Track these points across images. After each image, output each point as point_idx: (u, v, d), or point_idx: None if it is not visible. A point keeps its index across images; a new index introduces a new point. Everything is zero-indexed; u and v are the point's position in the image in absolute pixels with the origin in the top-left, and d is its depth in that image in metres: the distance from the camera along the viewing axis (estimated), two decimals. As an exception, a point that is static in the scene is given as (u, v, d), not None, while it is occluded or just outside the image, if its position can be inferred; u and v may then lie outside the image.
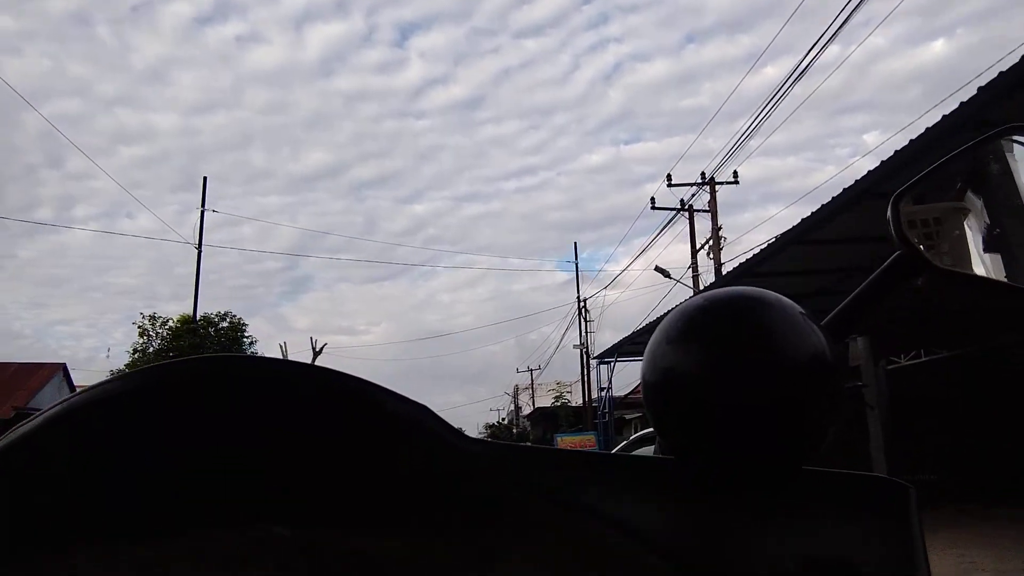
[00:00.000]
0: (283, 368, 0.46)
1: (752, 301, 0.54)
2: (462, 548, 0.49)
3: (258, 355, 0.48)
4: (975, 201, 0.68)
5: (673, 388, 0.54)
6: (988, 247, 0.66)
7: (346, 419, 0.47)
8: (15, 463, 0.44)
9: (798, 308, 0.54)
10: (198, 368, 0.46)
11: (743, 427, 0.51)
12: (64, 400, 0.45)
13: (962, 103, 6.52)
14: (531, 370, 41.84)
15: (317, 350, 25.74)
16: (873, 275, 0.61)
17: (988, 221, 0.66)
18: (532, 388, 41.50)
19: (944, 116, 6.83)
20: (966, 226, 0.66)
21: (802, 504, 0.53)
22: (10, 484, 0.44)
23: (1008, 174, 0.67)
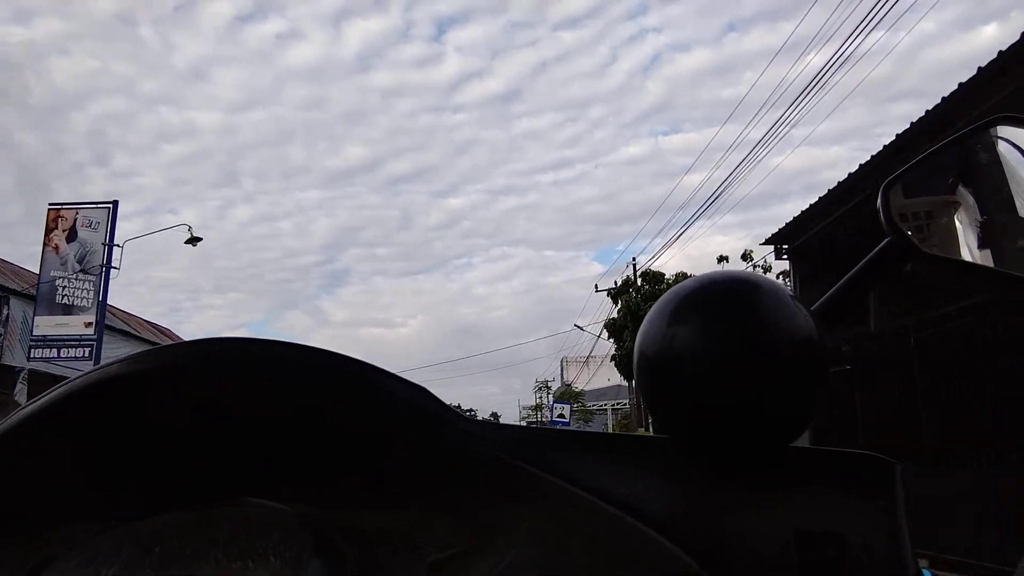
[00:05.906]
0: (286, 350, 0.47)
1: (745, 284, 0.56)
2: (460, 525, 0.50)
3: (265, 338, 0.49)
4: (965, 193, 0.69)
5: (666, 366, 0.55)
6: (977, 236, 0.67)
7: (348, 399, 0.48)
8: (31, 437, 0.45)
9: (789, 292, 0.56)
10: (202, 350, 0.47)
11: (733, 406, 0.52)
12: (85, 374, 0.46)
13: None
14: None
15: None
16: (862, 262, 0.62)
17: (977, 212, 0.67)
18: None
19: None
20: (956, 218, 0.67)
21: (791, 480, 0.54)
22: (25, 457, 0.45)
23: (996, 163, 0.67)
